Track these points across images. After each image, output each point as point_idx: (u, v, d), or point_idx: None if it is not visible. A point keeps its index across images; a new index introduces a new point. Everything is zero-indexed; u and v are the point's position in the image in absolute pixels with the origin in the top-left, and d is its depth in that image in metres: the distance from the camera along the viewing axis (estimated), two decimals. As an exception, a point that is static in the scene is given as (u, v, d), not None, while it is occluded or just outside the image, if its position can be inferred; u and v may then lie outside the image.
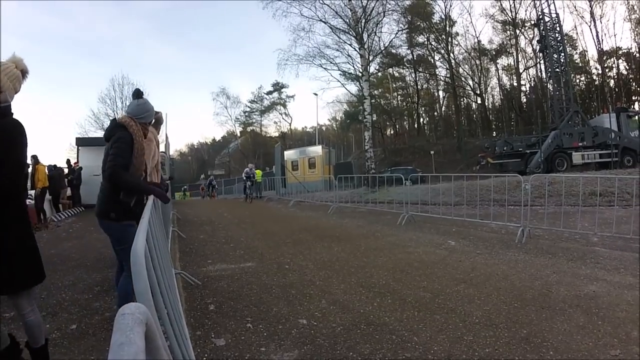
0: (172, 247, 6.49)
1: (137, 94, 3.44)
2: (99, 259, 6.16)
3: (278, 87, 55.54)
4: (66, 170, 14.37)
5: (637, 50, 38.72)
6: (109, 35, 71.46)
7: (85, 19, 70.10)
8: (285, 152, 29.40)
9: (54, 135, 70.55)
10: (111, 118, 34.09)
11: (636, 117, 24.20)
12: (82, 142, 16.44)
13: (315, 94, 32.92)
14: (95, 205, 3.27)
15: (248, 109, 58.60)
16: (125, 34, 75.40)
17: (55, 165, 13.23)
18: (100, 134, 32.94)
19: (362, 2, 20.90)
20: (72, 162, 15.23)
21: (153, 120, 3.65)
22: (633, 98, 39.53)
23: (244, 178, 20.30)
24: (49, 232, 8.85)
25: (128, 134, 3.16)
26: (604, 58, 39.49)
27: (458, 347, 3.13)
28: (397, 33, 26.00)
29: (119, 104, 36.30)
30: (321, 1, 21.01)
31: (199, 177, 55.55)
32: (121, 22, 75.02)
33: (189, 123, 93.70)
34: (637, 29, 38.05)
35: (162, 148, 7.57)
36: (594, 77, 41.45)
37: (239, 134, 61.27)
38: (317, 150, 28.42)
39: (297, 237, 8.06)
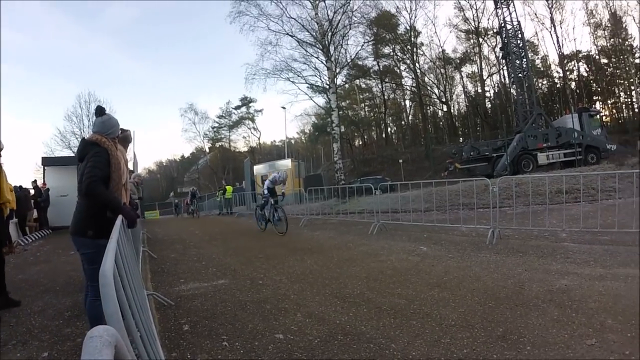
0: (143, 268, 6.33)
1: (100, 111, 3.38)
2: (69, 282, 5.95)
3: (246, 101, 55.56)
4: (32, 192, 13.88)
5: (597, 52, 40.65)
6: (74, 52, 70.14)
7: (50, 35, 68.58)
8: (255, 167, 29.32)
9: (19, 155, 68.26)
10: (78, 137, 33.36)
11: (597, 116, 25.31)
12: (48, 161, 16.00)
13: (284, 108, 33.04)
14: (71, 224, 3.18)
15: (216, 125, 58.29)
16: (92, 50, 74.07)
17: (21, 187, 12.75)
18: (66, 153, 32.29)
19: (328, 16, 21.22)
20: (39, 183, 14.73)
21: (120, 133, 3.59)
22: (594, 98, 41.56)
23: (266, 192, 11.50)
24: (15, 257, 8.49)
25: (103, 149, 3.13)
26: (565, 61, 41.34)
27: (436, 350, 3.16)
28: (363, 45, 26.57)
29: (86, 121, 35.79)
30: (288, 15, 21.23)
31: (168, 194, 54.64)
32: (87, 39, 73.76)
33: (157, 140, 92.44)
34: (596, 32, 40.01)
35: (130, 166, 7.41)
36: (556, 80, 43.47)
37: (207, 150, 60.69)
38: (286, 163, 28.48)
39: (270, 251, 8.00)
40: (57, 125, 46.02)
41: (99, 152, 3.11)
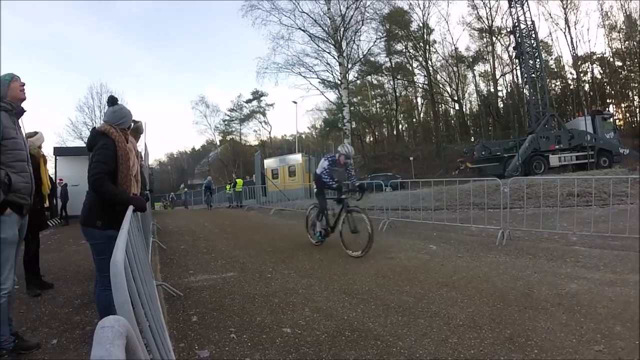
0: (153, 259, 6.38)
1: (112, 100, 3.39)
2: (79, 271, 6.01)
3: (257, 95, 55.40)
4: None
5: (611, 55, 39.99)
6: (86, 44, 70.63)
7: (62, 28, 69.24)
8: (265, 161, 29.31)
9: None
10: (90, 127, 33.78)
11: (610, 120, 24.99)
12: (60, 151, 16.10)
13: (295, 102, 32.97)
14: (81, 214, 3.20)
15: (227, 118, 58.33)
16: (104, 42, 74.41)
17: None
18: (78, 143, 32.59)
19: (341, 11, 21.21)
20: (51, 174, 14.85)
21: (132, 125, 3.59)
22: (607, 101, 40.83)
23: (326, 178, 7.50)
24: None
25: (110, 141, 3.14)
26: (579, 63, 40.71)
27: (443, 349, 3.14)
28: (375, 41, 26.40)
29: (97, 112, 36.10)
30: (300, 10, 21.21)
31: (178, 186, 54.96)
32: (99, 30, 74.09)
33: (169, 132, 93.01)
34: (610, 35, 39.34)
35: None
36: (569, 81, 42.80)
37: (218, 143, 60.85)
38: (297, 158, 28.48)
39: (279, 245, 8.01)
40: (69, 115, 46.38)
41: (106, 144, 3.13)
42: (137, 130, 4.73)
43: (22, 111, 3.16)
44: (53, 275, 5.72)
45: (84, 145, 3.42)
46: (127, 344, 0.88)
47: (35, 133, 5.07)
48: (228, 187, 25.32)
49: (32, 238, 5.01)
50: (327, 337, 3.45)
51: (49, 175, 14.10)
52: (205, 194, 26.43)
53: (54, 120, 76.15)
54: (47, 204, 5.44)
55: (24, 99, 3.14)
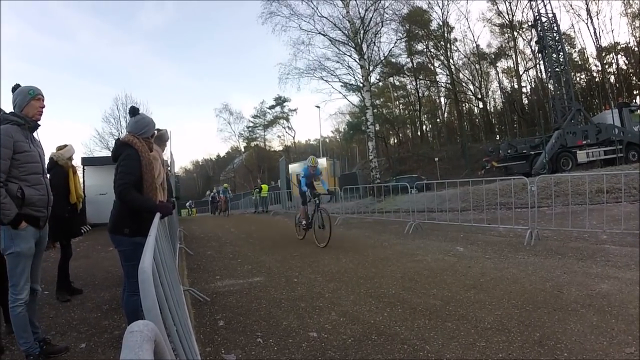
0: (180, 264, 6.47)
1: (133, 111, 3.45)
2: (107, 277, 6.17)
3: (280, 101, 56.04)
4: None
5: (636, 44, 38.59)
6: (111, 55, 72.64)
7: (87, 41, 71.45)
8: (290, 166, 29.47)
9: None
10: (116, 137, 34.46)
11: (638, 112, 24.07)
12: (87, 161, 16.51)
13: (318, 107, 33.12)
14: (108, 221, 3.30)
15: (251, 124, 59.14)
16: (128, 54, 76.53)
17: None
18: (105, 153, 33.23)
19: (360, 13, 21.09)
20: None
21: (155, 133, 3.66)
22: (634, 92, 39.22)
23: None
24: (56, 252, 8.86)
25: (134, 151, 3.22)
26: (603, 54, 39.36)
27: (471, 353, 3.09)
28: (396, 42, 26.06)
29: (123, 123, 36.74)
30: (319, 14, 21.22)
31: (204, 193, 55.69)
32: (123, 42, 76.20)
33: (193, 140, 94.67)
34: (634, 23, 37.97)
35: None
36: (594, 74, 41.38)
37: (243, 149, 61.58)
38: (321, 162, 28.49)
39: (305, 250, 8.03)
40: (96, 126, 47.32)
41: (130, 154, 3.21)
42: (161, 139, 4.82)
43: (37, 126, 3.20)
44: (82, 281, 5.88)
45: (111, 155, 3.50)
46: (156, 348, 0.89)
47: (65, 146, 5.37)
48: (254, 192, 25.42)
49: (66, 244, 5.34)
50: (354, 341, 3.43)
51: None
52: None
53: (82, 131, 78.76)
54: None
55: (38, 119, 3.18)
